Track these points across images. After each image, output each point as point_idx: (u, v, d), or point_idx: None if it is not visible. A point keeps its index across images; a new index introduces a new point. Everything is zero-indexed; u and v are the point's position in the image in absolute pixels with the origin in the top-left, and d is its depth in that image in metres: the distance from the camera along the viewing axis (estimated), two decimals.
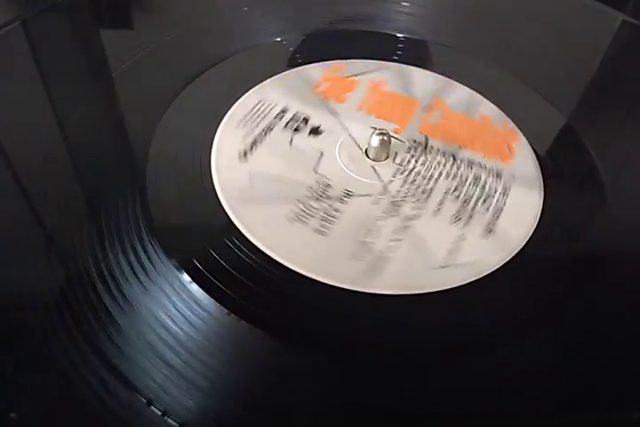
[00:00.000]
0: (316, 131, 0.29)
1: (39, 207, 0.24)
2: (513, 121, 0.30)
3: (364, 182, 0.27)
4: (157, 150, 0.27)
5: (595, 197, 0.28)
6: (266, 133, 0.28)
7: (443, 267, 0.24)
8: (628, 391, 0.21)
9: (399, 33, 0.35)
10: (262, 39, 0.34)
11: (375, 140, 0.27)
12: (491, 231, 0.25)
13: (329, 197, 0.26)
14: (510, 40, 0.36)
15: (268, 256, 0.23)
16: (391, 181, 0.27)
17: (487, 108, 0.31)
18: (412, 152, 0.28)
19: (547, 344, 0.22)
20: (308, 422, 0.20)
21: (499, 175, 0.28)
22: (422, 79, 0.32)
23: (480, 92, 0.32)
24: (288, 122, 0.29)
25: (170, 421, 0.19)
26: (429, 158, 0.28)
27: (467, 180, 0.27)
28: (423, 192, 0.27)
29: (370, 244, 0.24)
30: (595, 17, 0.37)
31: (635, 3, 0.38)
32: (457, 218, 0.26)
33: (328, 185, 0.26)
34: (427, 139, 0.29)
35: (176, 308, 0.22)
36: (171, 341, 0.21)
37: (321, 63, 0.32)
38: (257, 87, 0.31)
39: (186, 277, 0.22)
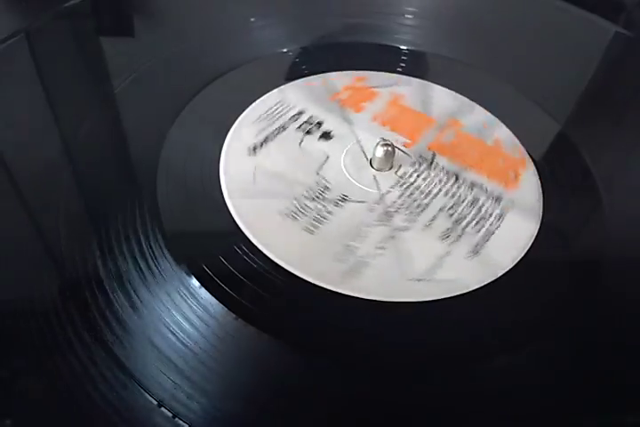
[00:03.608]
0: (327, 135, 0.29)
1: (52, 215, 0.25)
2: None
3: (363, 190, 0.27)
4: (167, 158, 0.27)
5: (592, 211, 0.28)
6: (278, 133, 0.29)
7: (419, 280, 0.24)
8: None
9: (402, 45, 0.35)
10: (269, 50, 0.34)
11: (380, 151, 0.27)
12: (477, 253, 0.25)
13: (325, 199, 0.26)
14: (506, 51, 0.36)
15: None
16: (389, 191, 0.27)
17: (502, 133, 0.31)
18: (417, 167, 0.28)
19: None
20: (316, 425, 0.21)
21: (498, 200, 0.27)
22: (442, 98, 0.32)
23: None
24: (302, 124, 0.30)
25: (180, 422, 0.19)
26: (432, 175, 0.28)
27: (464, 200, 0.27)
28: (418, 206, 0.27)
29: (354, 247, 0.25)
30: (589, 28, 0.38)
31: (628, 15, 0.39)
32: (446, 235, 0.26)
33: (326, 187, 0.27)
34: (433, 155, 0.29)
35: (185, 312, 0.22)
36: (180, 345, 0.21)
37: (344, 72, 0.33)
38: (276, 90, 0.31)
39: (195, 283, 0.23)
